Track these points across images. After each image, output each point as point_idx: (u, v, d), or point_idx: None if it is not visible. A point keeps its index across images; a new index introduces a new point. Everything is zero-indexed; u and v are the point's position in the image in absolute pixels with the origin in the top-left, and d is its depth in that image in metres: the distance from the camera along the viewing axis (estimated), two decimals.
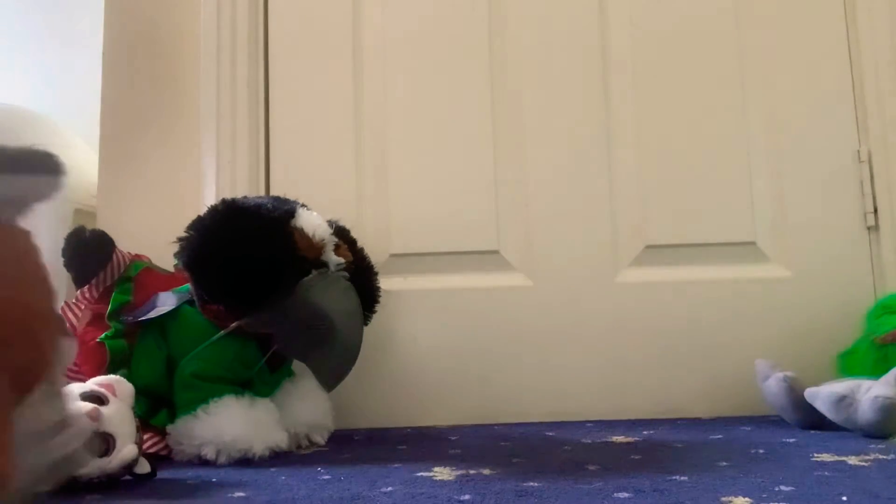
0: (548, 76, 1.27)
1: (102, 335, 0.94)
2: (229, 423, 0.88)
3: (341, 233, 1.01)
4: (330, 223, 0.99)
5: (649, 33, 1.28)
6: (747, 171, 1.25)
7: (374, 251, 1.23)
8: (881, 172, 1.23)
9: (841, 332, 1.13)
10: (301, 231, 0.92)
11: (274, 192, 1.24)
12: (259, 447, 0.88)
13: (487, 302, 1.22)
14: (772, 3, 1.28)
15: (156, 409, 0.92)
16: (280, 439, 0.91)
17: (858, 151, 1.24)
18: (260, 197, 1.02)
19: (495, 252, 1.24)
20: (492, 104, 1.26)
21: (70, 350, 0.65)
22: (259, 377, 0.96)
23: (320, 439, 1.00)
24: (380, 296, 1.05)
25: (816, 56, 1.27)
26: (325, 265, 0.93)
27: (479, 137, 1.26)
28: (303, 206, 0.98)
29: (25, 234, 0.57)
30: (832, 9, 1.28)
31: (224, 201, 0.96)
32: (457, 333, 1.22)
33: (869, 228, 1.23)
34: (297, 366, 1.03)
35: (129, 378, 0.93)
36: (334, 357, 0.94)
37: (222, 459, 0.87)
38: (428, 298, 1.22)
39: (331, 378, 0.96)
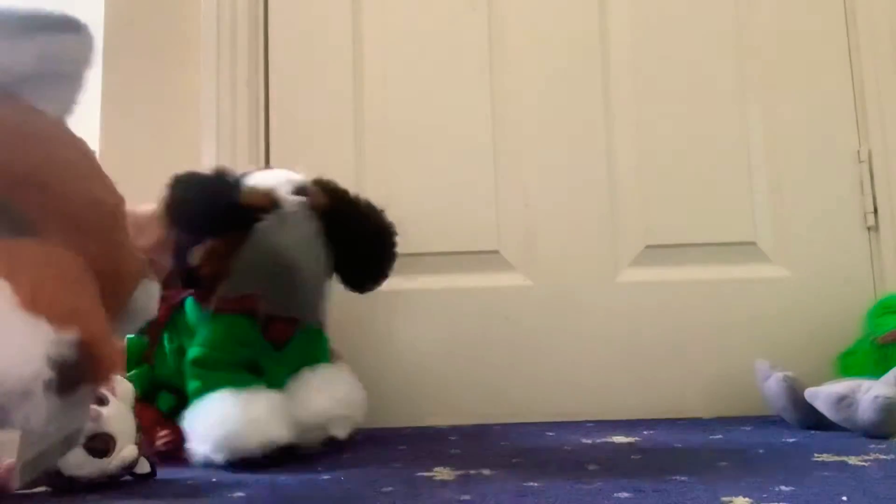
0: (548, 76, 1.27)
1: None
2: (223, 419, 0.85)
3: (324, 184, 0.96)
4: (322, 180, 0.96)
5: (649, 33, 1.28)
6: (747, 171, 1.25)
7: None
8: (881, 172, 1.23)
9: (841, 332, 1.13)
10: (250, 187, 0.91)
11: None
12: (254, 444, 0.83)
13: (487, 302, 1.22)
14: (772, 3, 1.28)
15: (182, 404, 0.91)
16: (278, 435, 0.85)
17: (858, 151, 1.24)
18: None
19: (495, 252, 1.24)
20: (492, 104, 1.26)
21: (152, 292, 0.67)
22: (264, 355, 0.92)
23: (339, 432, 0.92)
24: (380, 239, 0.98)
25: (816, 56, 1.27)
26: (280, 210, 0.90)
27: (479, 137, 1.26)
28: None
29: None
30: (832, 9, 1.28)
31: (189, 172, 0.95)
32: (457, 333, 1.22)
33: (869, 228, 1.23)
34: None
35: (150, 374, 0.95)
36: (296, 290, 0.90)
37: (217, 457, 0.83)
38: (428, 298, 1.22)
39: (297, 312, 0.91)
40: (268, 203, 0.89)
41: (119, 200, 0.61)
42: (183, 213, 0.90)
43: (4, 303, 0.46)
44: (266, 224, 0.88)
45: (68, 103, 0.61)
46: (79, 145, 0.60)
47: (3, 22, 0.54)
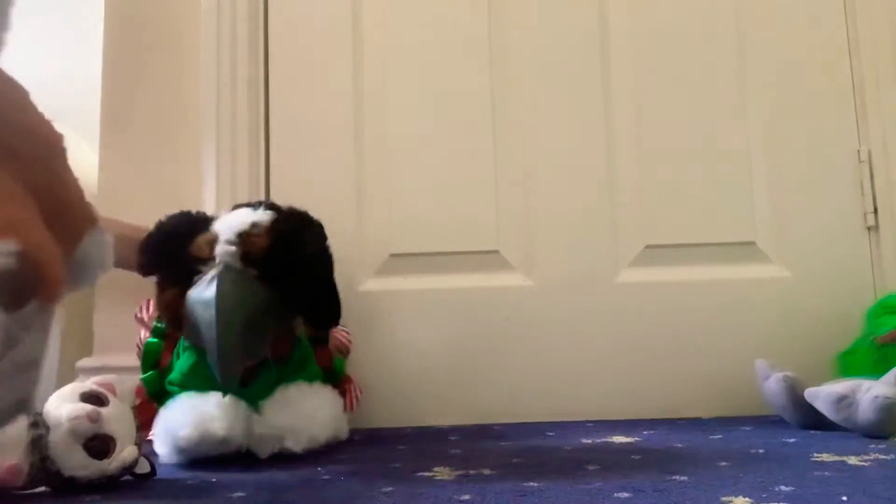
0: (548, 76, 1.27)
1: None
2: (170, 412, 0.89)
3: (280, 222, 0.94)
4: (284, 214, 0.95)
5: (649, 33, 1.28)
6: (747, 171, 1.25)
7: (374, 251, 1.24)
8: (881, 172, 1.23)
9: (841, 332, 1.13)
10: (202, 234, 0.92)
11: (274, 191, 1.24)
12: (186, 431, 0.84)
13: (487, 302, 1.22)
14: (772, 3, 1.28)
15: None
16: (217, 428, 0.85)
17: (858, 151, 1.24)
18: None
19: (495, 252, 1.24)
20: (492, 104, 1.26)
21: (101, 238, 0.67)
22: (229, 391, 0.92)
23: (293, 446, 0.90)
24: (310, 290, 0.94)
25: (816, 55, 1.27)
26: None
27: (479, 137, 1.26)
28: (264, 202, 0.98)
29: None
30: (832, 9, 1.28)
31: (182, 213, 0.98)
32: (457, 333, 1.22)
33: (869, 228, 1.23)
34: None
35: (160, 378, 0.98)
36: (206, 349, 0.88)
37: (164, 449, 0.87)
38: (428, 298, 1.22)
39: (215, 371, 0.87)
40: (206, 253, 0.90)
41: (58, 136, 0.61)
42: (149, 259, 0.94)
43: None
44: (199, 278, 0.89)
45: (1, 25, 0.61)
46: (12, 82, 0.61)
47: None
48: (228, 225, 0.91)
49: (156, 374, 0.98)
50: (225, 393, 0.88)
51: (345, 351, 1.11)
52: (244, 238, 0.90)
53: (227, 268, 0.88)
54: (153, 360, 0.99)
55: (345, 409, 1.03)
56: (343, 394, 1.05)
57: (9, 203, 0.50)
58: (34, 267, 0.46)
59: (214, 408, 0.87)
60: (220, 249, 0.89)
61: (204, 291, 0.86)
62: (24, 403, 0.60)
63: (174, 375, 0.95)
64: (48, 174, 0.58)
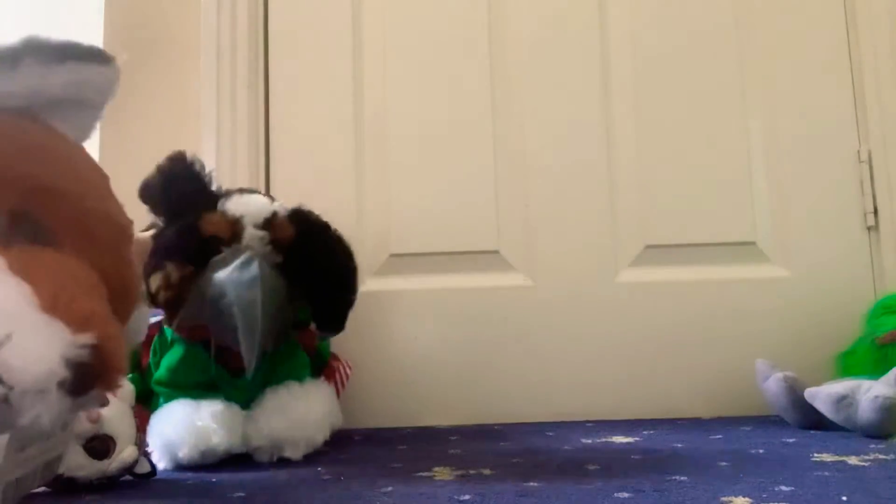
0: (548, 76, 1.27)
1: None
2: (166, 426, 0.87)
3: (300, 215, 0.96)
4: (298, 210, 0.95)
5: (649, 33, 1.28)
6: (747, 171, 1.25)
7: (374, 251, 1.24)
8: (881, 172, 1.23)
9: (841, 332, 1.13)
10: (218, 214, 0.90)
11: (274, 191, 1.24)
12: (187, 450, 0.84)
13: (487, 302, 1.22)
14: (772, 3, 1.28)
15: None
16: (219, 442, 0.85)
17: (858, 151, 1.24)
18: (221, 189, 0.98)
19: (495, 252, 1.24)
20: (492, 103, 1.26)
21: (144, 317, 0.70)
22: (222, 381, 0.92)
23: (292, 454, 0.90)
24: (340, 277, 0.96)
25: (816, 56, 1.27)
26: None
27: (479, 137, 1.26)
28: (263, 194, 0.97)
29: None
30: (832, 9, 1.28)
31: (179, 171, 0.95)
32: (457, 333, 1.22)
33: (869, 228, 1.23)
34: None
35: (141, 382, 0.96)
36: (239, 332, 0.85)
37: (163, 464, 0.85)
38: (428, 298, 1.22)
39: (244, 354, 0.86)
40: (229, 235, 0.89)
41: (129, 222, 0.64)
42: (153, 206, 0.92)
43: (25, 304, 0.48)
44: (221, 258, 0.88)
45: (87, 130, 0.66)
46: (97, 168, 0.65)
47: (39, 49, 0.57)
48: (254, 210, 0.91)
49: (137, 376, 0.95)
50: (248, 374, 0.86)
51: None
52: (271, 225, 0.90)
53: (258, 253, 0.87)
54: (134, 361, 0.97)
55: (337, 393, 1.03)
56: (330, 376, 1.04)
57: (90, 294, 0.54)
58: (104, 359, 0.50)
59: (210, 419, 0.87)
60: (250, 234, 0.89)
61: (241, 273, 0.85)
62: (58, 460, 0.64)
63: (160, 373, 0.93)
64: (118, 260, 0.61)
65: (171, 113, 1.28)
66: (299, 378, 0.97)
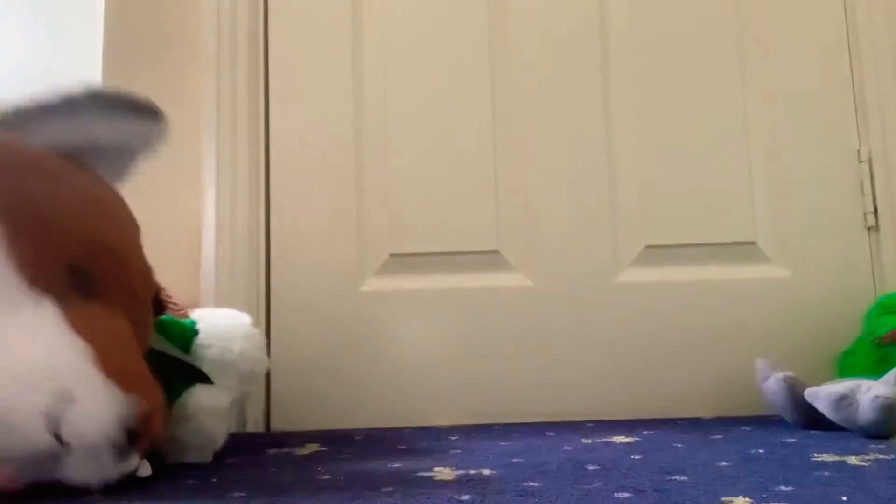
0: (548, 76, 1.27)
1: None
2: None
3: None
4: None
5: (650, 33, 1.28)
6: (747, 171, 1.25)
7: (374, 251, 1.24)
8: (881, 172, 1.23)
9: (841, 332, 1.13)
10: None
11: (274, 191, 1.24)
12: None
13: (487, 302, 1.22)
14: (773, 4, 1.28)
15: None
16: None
17: (858, 151, 1.24)
18: None
19: (495, 252, 1.24)
20: (492, 103, 1.26)
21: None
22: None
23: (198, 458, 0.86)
24: None
25: (816, 56, 1.27)
26: None
27: (479, 137, 1.26)
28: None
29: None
30: (832, 9, 1.28)
31: None
32: (457, 333, 1.22)
33: (869, 228, 1.23)
34: None
35: None
36: None
37: None
38: (428, 298, 1.22)
39: None
40: None
41: (152, 271, 0.68)
42: None
43: (91, 367, 0.51)
44: None
45: (125, 174, 0.69)
46: (133, 219, 0.68)
47: (98, 98, 0.61)
48: None
49: None
50: None
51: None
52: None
53: None
54: None
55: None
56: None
57: (134, 352, 0.57)
58: (150, 425, 0.53)
59: None
60: None
61: None
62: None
63: None
64: (147, 310, 0.64)
65: (171, 113, 1.27)
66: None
